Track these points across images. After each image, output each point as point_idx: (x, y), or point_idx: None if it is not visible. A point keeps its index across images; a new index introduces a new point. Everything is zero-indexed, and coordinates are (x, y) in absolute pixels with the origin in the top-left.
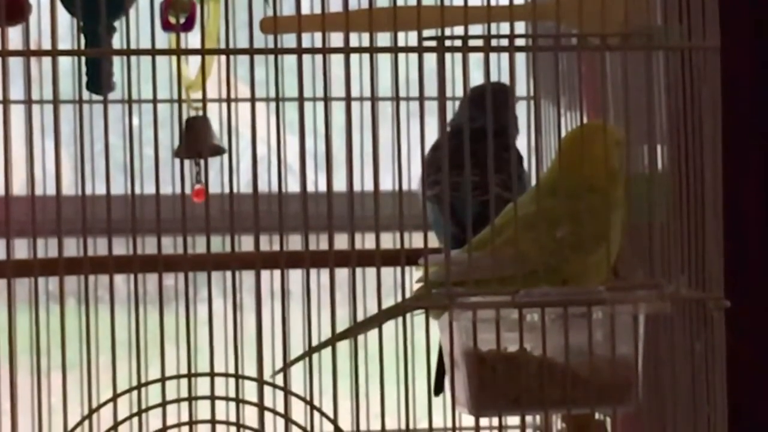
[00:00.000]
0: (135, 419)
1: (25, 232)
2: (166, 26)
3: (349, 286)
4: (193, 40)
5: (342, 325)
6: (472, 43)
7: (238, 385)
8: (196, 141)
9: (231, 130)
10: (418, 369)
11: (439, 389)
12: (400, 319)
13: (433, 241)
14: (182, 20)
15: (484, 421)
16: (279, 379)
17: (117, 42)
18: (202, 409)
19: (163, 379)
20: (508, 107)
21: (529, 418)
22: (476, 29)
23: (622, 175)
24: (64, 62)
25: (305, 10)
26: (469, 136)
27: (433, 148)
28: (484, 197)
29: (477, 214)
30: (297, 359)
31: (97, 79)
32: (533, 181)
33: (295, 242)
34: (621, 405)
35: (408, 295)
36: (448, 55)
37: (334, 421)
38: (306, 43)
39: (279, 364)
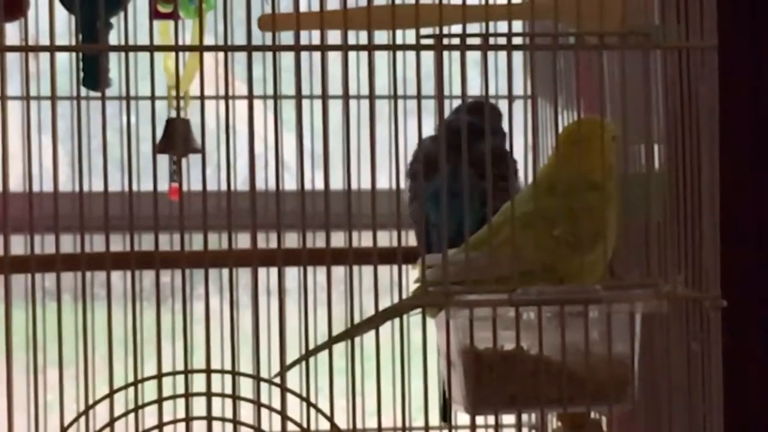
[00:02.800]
0: (131, 416)
1: (22, 229)
2: (156, 15)
3: (345, 283)
4: (181, 34)
5: (338, 322)
6: (470, 41)
7: (234, 382)
8: (173, 142)
9: (228, 127)
10: (415, 367)
11: (445, 416)
12: None
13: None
14: (170, 9)
15: (480, 420)
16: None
17: (113, 38)
18: (199, 406)
19: (159, 376)
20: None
21: (525, 417)
22: (474, 28)
23: (616, 171)
24: (62, 59)
25: (303, 7)
26: (448, 140)
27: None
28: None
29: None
30: (293, 363)
31: (94, 76)
32: (523, 185)
33: (292, 240)
34: (617, 403)
35: (405, 293)
36: (445, 54)
37: (330, 419)
38: (304, 41)
39: (275, 361)
